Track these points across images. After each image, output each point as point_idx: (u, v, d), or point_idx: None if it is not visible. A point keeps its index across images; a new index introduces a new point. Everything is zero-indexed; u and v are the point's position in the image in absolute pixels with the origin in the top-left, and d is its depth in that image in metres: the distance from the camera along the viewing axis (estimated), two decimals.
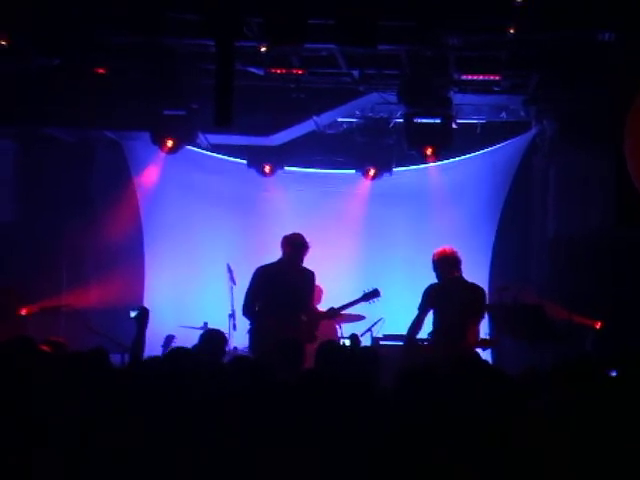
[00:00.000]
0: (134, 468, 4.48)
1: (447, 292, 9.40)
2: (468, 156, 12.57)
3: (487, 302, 9.92)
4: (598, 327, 10.96)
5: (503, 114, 12.17)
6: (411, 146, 11.38)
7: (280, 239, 9.83)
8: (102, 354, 6.38)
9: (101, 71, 10.66)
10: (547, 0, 8.93)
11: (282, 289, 9.50)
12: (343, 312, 10.21)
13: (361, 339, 9.66)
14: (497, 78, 10.82)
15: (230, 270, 11.25)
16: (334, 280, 11.61)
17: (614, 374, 6.36)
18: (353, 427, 4.59)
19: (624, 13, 8.80)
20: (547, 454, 4.46)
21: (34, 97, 10.90)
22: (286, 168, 12.81)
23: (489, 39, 9.78)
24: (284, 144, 12.29)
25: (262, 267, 9.79)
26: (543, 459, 4.42)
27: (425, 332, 9.54)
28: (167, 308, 11.72)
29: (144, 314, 7.67)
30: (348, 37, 8.98)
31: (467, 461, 4.30)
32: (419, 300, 9.49)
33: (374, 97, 11.61)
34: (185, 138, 11.46)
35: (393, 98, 11.15)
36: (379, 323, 10.88)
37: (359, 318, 11.15)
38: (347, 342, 9.70)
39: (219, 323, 9.92)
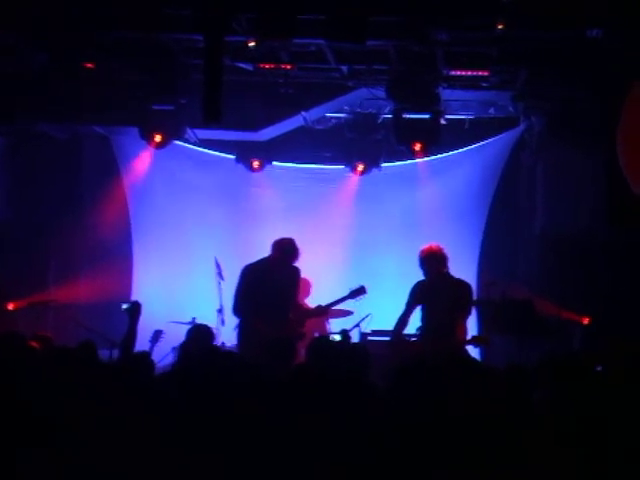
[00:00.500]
0: (123, 465, 4.47)
1: (434, 289, 9.41)
2: (457, 152, 12.59)
3: (475, 298, 9.94)
4: (586, 323, 11.00)
5: (491, 110, 12.17)
6: (400, 141, 11.39)
7: (268, 234, 9.81)
8: (91, 348, 6.39)
9: (90, 66, 10.63)
10: None
11: (268, 287, 9.50)
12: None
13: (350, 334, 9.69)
14: (486, 74, 10.82)
15: (218, 265, 11.20)
16: (323, 275, 11.61)
17: (600, 369, 6.42)
18: (344, 423, 4.60)
19: (612, 10, 8.82)
20: (536, 450, 4.48)
21: (23, 93, 10.87)
22: (274, 163, 12.80)
23: (478, 35, 9.77)
24: (272, 139, 12.28)
25: (249, 266, 9.78)
26: (532, 455, 4.44)
27: (412, 328, 9.57)
28: (155, 303, 11.65)
29: (136, 308, 7.65)
30: (337, 32, 8.98)
31: (459, 458, 4.31)
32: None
33: (363, 92, 11.62)
34: (173, 133, 11.46)
35: (382, 94, 11.16)
36: (367, 319, 10.88)
37: (347, 313, 11.17)
38: (337, 337, 9.73)
39: (208, 318, 9.90)
